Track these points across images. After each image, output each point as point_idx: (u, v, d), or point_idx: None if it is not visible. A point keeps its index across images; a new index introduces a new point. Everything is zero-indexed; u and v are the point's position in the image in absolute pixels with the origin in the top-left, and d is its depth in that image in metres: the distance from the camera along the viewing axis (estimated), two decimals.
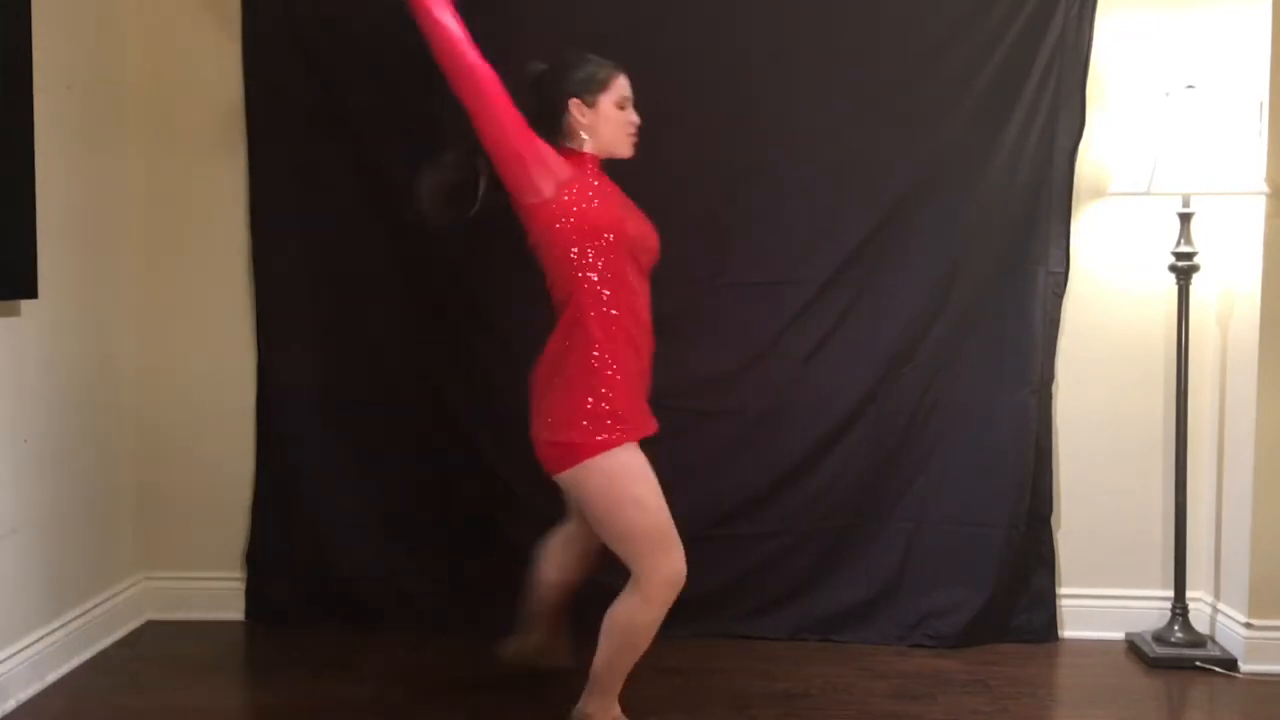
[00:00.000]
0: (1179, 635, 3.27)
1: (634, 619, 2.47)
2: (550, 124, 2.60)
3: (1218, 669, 3.18)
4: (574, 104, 2.58)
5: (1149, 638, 3.31)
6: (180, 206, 3.50)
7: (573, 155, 2.61)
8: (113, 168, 3.38)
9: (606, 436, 2.45)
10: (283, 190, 3.44)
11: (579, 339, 2.51)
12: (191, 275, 3.52)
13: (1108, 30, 3.30)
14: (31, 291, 2.90)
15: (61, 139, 3.05)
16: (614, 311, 2.50)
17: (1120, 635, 3.42)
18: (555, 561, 2.84)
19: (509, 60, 3.25)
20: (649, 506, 2.45)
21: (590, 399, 2.46)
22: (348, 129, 3.39)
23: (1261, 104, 3.14)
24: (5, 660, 2.88)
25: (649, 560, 2.45)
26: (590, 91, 2.58)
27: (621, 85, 2.63)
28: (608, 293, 2.50)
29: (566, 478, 2.49)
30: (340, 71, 3.37)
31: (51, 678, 3.06)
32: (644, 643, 2.50)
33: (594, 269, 2.49)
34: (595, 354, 2.48)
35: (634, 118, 2.67)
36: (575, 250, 2.50)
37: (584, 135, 2.59)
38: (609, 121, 2.60)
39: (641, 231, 2.62)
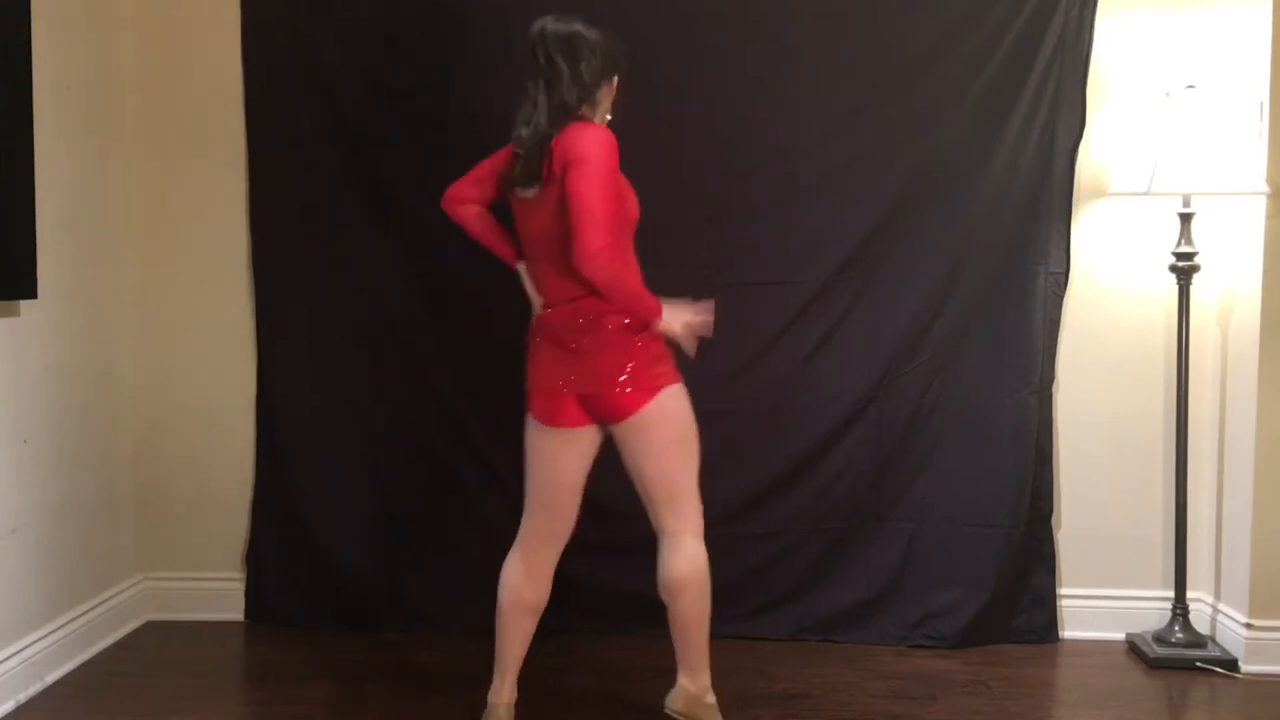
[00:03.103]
0: (1179, 635, 3.26)
1: (700, 561, 2.58)
2: (587, 93, 2.46)
3: (1218, 669, 3.17)
4: (612, 81, 2.53)
5: (1149, 638, 3.31)
6: (180, 207, 3.51)
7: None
8: (112, 168, 3.39)
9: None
10: (283, 190, 3.44)
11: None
12: (191, 275, 3.52)
13: (1108, 30, 3.30)
14: (31, 291, 2.90)
15: (61, 139, 3.05)
16: None
17: (1120, 635, 3.42)
18: (535, 576, 2.65)
19: (517, 54, 3.27)
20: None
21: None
22: (348, 130, 3.40)
23: (1261, 104, 3.14)
24: (5, 660, 2.88)
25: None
26: (614, 71, 2.53)
27: None
28: None
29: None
30: (340, 72, 3.37)
31: (51, 678, 3.06)
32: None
33: None
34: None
35: None
36: None
37: (593, 109, 2.51)
38: (609, 100, 2.56)
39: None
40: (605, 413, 2.52)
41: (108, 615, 3.36)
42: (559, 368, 2.52)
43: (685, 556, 2.56)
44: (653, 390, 2.50)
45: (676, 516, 2.57)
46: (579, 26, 2.46)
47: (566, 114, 2.43)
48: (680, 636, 2.62)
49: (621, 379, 2.48)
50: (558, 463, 2.58)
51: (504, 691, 2.64)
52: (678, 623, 2.61)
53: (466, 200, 2.66)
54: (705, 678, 2.66)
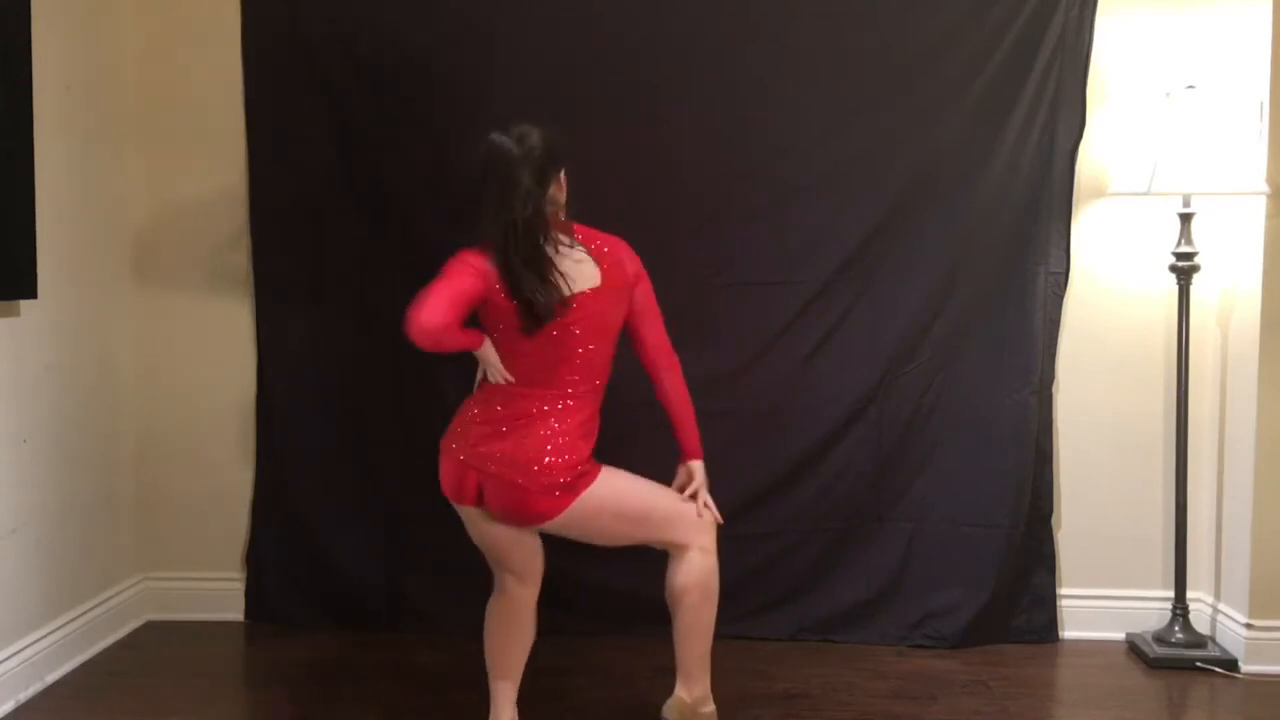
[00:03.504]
0: (1179, 635, 3.26)
1: (705, 571, 2.60)
2: (543, 193, 2.41)
3: (1218, 669, 3.17)
4: (563, 175, 2.49)
5: (1149, 638, 3.31)
6: (180, 207, 3.50)
7: None
8: (112, 168, 3.39)
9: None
10: (283, 191, 3.44)
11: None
12: (191, 275, 3.52)
13: (1108, 30, 3.30)
14: (31, 291, 2.90)
15: (61, 139, 3.05)
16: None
17: (1120, 635, 3.42)
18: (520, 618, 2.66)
19: (525, 57, 3.29)
20: None
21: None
22: (348, 129, 3.40)
23: (1261, 104, 3.14)
24: (5, 660, 2.88)
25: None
26: (565, 161, 2.49)
27: None
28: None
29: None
30: (339, 70, 3.37)
31: (51, 678, 3.06)
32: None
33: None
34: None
35: None
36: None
37: (560, 203, 2.49)
38: (561, 191, 2.51)
39: None
40: (516, 507, 2.45)
41: (108, 615, 3.36)
42: (485, 442, 2.44)
43: (686, 568, 2.58)
44: (575, 493, 2.46)
45: (677, 539, 2.60)
46: (509, 142, 2.38)
47: (538, 220, 2.39)
48: (679, 643, 2.63)
49: (553, 480, 2.42)
50: (489, 531, 2.56)
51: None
52: (677, 629, 2.62)
53: (456, 323, 2.40)
54: (702, 688, 2.65)
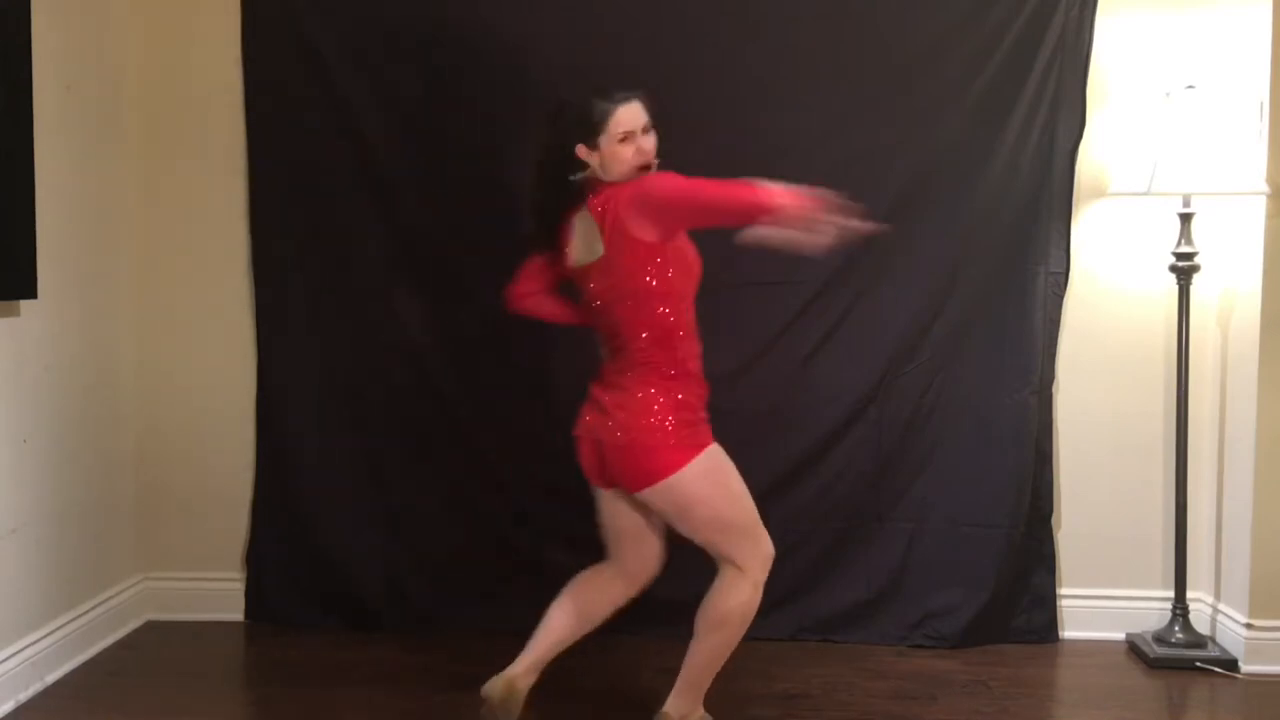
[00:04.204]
0: (1179, 636, 3.27)
1: (750, 606, 2.55)
2: (564, 169, 2.52)
3: (1218, 669, 3.18)
4: (579, 150, 2.53)
5: (1149, 638, 3.31)
6: (180, 206, 3.51)
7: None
8: (112, 168, 3.39)
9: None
10: (282, 190, 3.44)
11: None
12: (191, 275, 3.52)
13: (1108, 30, 3.30)
14: (31, 291, 2.90)
15: (61, 139, 3.05)
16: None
17: (1120, 635, 3.42)
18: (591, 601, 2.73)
19: (524, 55, 3.29)
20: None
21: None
22: (348, 128, 3.39)
23: (1261, 104, 3.14)
24: (5, 660, 2.88)
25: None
26: (590, 134, 2.51)
27: (623, 120, 2.49)
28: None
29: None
30: (340, 70, 3.37)
31: (51, 678, 3.06)
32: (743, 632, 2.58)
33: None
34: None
35: (644, 146, 2.53)
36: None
37: (599, 174, 2.53)
38: (614, 158, 2.52)
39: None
40: (632, 466, 2.48)
41: (108, 615, 3.36)
42: (594, 414, 2.55)
43: (736, 596, 2.53)
44: (693, 449, 2.49)
45: (742, 562, 2.54)
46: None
47: (560, 181, 2.52)
48: (689, 660, 2.60)
49: (663, 436, 2.46)
50: (604, 509, 2.64)
51: (518, 665, 2.65)
52: (693, 648, 2.59)
53: (530, 293, 2.72)
54: (689, 703, 2.62)
